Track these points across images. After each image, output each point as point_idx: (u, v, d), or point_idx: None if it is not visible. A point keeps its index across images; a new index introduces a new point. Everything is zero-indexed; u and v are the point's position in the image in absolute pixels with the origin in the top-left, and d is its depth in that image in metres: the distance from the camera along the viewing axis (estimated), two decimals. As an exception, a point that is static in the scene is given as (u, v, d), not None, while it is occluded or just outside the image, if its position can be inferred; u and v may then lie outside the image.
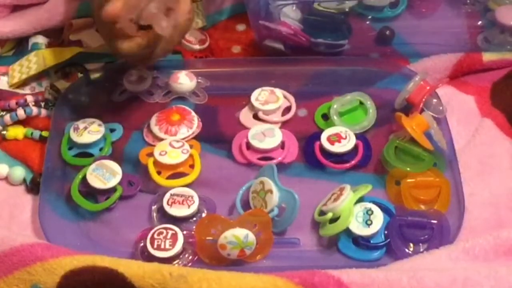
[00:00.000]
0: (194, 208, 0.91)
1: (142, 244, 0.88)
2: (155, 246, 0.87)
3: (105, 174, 0.94)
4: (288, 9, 1.09)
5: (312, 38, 1.09)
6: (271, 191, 0.90)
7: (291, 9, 1.09)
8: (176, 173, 0.96)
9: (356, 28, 1.12)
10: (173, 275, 0.80)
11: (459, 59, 1.08)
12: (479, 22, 1.12)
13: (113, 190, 0.94)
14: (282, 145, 0.99)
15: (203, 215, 0.92)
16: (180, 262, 0.87)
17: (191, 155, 0.97)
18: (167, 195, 0.92)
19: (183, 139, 0.99)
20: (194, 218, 0.92)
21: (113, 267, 0.81)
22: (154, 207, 0.93)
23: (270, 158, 0.98)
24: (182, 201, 0.91)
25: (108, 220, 0.93)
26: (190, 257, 0.88)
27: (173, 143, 0.97)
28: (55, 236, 0.90)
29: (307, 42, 1.09)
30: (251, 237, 0.86)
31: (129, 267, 0.81)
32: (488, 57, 1.09)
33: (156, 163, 0.96)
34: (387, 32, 1.11)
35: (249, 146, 0.99)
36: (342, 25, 1.11)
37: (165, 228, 0.88)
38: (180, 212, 0.91)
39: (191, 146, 0.98)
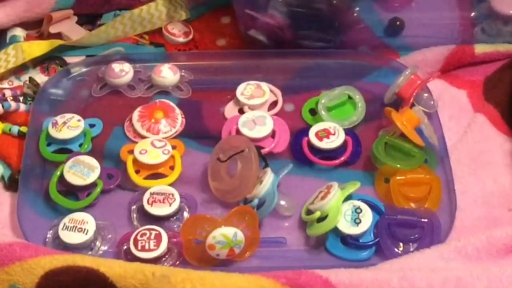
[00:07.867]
0: (175, 206, 0.90)
1: (125, 247, 0.87)
2: (139, 248, 0.86)
3: (83, 170, 0.93)
4: (275, 1, 1.07)
5: (299, 31, 1.08)
6: (261, 182, 0.89)
7: (278, 1, 1.08)
8: (155, 173, 0.95)
9: (344, 21, 1.10)
10: (155, 275, 0.79)
11: (451, 51, 1.08)
12: (472, 14, 1.11)
13: (93, 185, 0.93)
14: (273, 134, 0.98)
15: (185, 213, 0.92)
16: (166, 263, 0.87)
17: (172, 156, 0.96)
18: (147, 194, 0.91)
19: (165, 138, 0.98)
20: (176, 217, 0.91)
21: (94, 267, 0.80)
22: (133, 207, 0.92)
23: (260, 148, 0.96)
24: (163, 200, 0.91)
25: (89, 219, 0.93)
26: (175, 258, 0.87)
27: (155, 142, 0.96)
28: (34, 235, 0.89)
29: (292, 35, 1.08)
30: (240, 235, 0.85)
31: (111, 267, 0.80)
32: (480, 49, 1.08)
33: (135, 161, 0.95)
34: (398, 23, 1.10)
35: (238, 133, 0.97)
36: (330, 18, 1.09)
37: (148, 229, 0.87)
38: (162, 211, 0.90)
39: (173, 147, 0.97)
